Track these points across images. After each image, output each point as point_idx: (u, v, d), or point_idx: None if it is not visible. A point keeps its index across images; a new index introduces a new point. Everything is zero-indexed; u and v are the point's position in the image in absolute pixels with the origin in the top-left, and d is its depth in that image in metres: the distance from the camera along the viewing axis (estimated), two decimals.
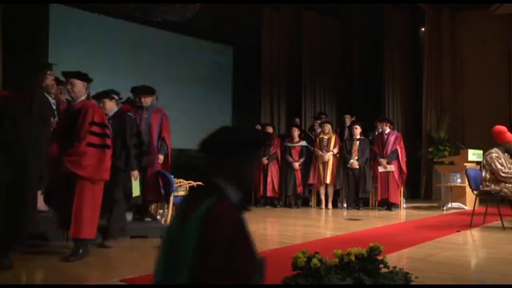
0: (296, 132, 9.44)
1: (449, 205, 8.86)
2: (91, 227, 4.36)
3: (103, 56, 8.94)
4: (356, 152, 8.98)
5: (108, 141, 4.51)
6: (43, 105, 4.60)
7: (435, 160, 10.35)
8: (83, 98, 4.56)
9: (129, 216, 5.63)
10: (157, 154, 5.87)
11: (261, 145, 1.90)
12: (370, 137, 9.67)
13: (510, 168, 6.28)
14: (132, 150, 5.17)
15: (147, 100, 5.89)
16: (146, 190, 5.66)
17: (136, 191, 5.32)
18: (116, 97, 5.30)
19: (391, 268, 3.02)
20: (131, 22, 9.48)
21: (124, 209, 5.17)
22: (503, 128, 6.60)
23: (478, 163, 8.66)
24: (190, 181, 6.40)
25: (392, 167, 8.81)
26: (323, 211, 8.91)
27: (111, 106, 5.21)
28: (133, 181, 5.24)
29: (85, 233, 4.29)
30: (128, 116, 5.35)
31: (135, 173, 5.27)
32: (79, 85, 4.54)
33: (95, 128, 4.42)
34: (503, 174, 6.18)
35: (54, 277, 3.78)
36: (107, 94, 5.26)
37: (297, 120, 10.73)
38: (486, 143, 7.23)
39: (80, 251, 4.26)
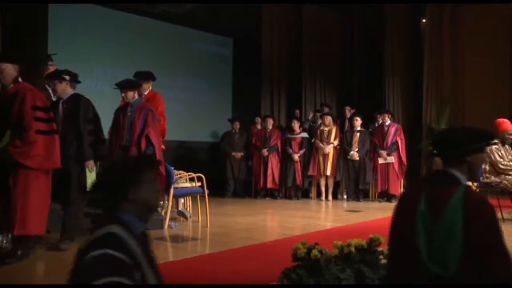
0: (296, 124, 9.44)
1: None
2: (38, 221, 4.00)
3: (102, 47, 8.91)
4: (356, 143, 8.99)
5: (55, 126, 4.23)
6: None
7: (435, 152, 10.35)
8: (15, 83, 4.14)
9: None
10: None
11: (487, 141, 2.16)
12: (370, 129, 9.68)
13: (510, 160, 6.29)
14: (87, 138, 4.61)
15: (128, 95, 5.42)
16: None
17: None
18: (67, 78, 4.73)
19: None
20: (130, 13, 9.44)
21: (80, 205, 4.62)
22: (503, 119, 6.62)
23: None
24: (190, 173, 6.39)
25: (392, 159, 8.82)
26: (323, 202, 8.93)
27: (63, 89, 4.71)
28: (88, 173, 4.62)
29: (31, 229, 3.93)
30: (84, 99, 4.75)
31: (90, 163, 4.65)
32: (9, 68, 4.12)
33: (39, 114, 4.08)
34: (501, 166, 6.19)
35: (55, 267, 3.79)
36: (58, 75, 4.78)
37: (297, 112, 10.73)
38: None
39: (19, 252, 3.86)
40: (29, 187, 3.94)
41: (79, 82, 4.90)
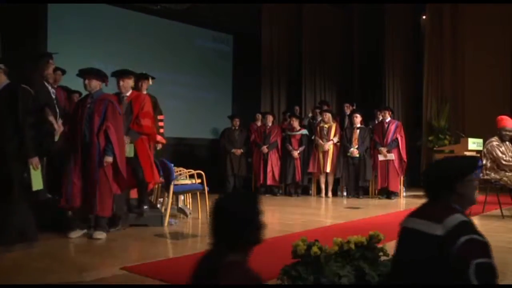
0: (296, 121, 9.43)
1: None
2: None
3: (102, 44, 8.89)
4: (356, 140, 8.98)
5: None
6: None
7: (435, 148, 10.35)
8: None
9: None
10: (103, 155, 4.77)
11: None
12: (370, 126, 9.67)
13: (511, 157, 6.29)
14: (28, 132, 4.17)
15: (92, 84, 4.86)
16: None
17: (37, 184, 4.24)
18: (1, 66, 4.32)
19: (390, 256, 3.03)
20: (130, 10, 9.43)
21: (23, 206, 4.22)
22: (504, 116, 6.62)
23: (478, 151, 8.65)
24: (190, 170, 6.39)
25: (392, 156, 8.82)
26: (323, 199, 8.93)
27: None
28: (32, 171, 4.19)
29: None
30: (23, 88, 4.24)
31: (34, 160, 4.21)
32: None
33: None
34: (504, 162, 6.20)
35: (55, 265, 3.80)
36: None
37: (297, 108, 10.73)
38: (487, 132, 7.22)
39: None
40: None
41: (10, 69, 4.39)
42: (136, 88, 5.98)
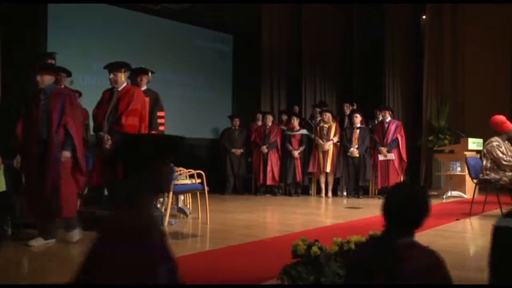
0: (296, 121, 9.43)
1: (449, 194, 8.88)
2: None
3: (102, 44, 8.88)
4: (356, 140, 8.98)
5: None
6: None
7: (435, 148, 10.35)
8: None
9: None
10: (61, 151, 4.46)
11: None
12: (370, 126, 9.67)
13: (511, 156, 6.30)
14: None
15: (44, 79, 4.54)
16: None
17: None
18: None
19: None
20: (130, 10, 9.43)
21: None
22: (502, 117, 6.62)
23: (478, 151, 8.66)
24: (190, 170, 6.38)
25: (392, 156, 8.82)
26: (323, 199, 8.93)
27: None
28: None
29: None
30: None
31: None
32: None
33: None
34: (504, 162, 6.20)
35: (55, 265, 3.79)
36: None
37: (296, 108, 10.73)
38: (486, 132, 7.23)
39: None
40: None
41: None
42: (135, 83, 5.83)
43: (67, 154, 4.47)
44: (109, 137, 5.06)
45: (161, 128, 5.97)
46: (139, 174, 1.76)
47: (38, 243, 4.34)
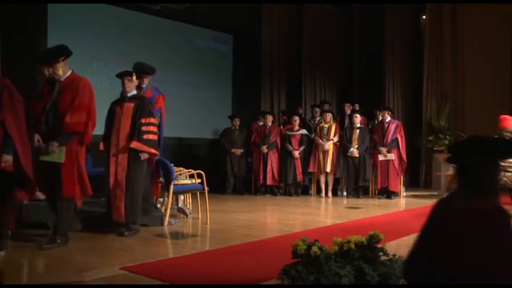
0: (297, 121, 9.43)
1: None
2: None
3: (102, 43, 8.89)
4: (356, 140, 8.98)
5: None
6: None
7: (435, 148, 10.36)
8: None
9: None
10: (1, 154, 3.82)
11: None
12: (370, 126, 9.68)
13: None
14: None
15: None
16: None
17: None
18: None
19: (390, 256, 3.04)
20: (130, 10, 9.43)
21: None
22: (508, 116, 6.65)
23: None
24: (190, 170, 6.38)
25: (392, 156, 8.82)
26: (323, 199, 8.93)
27: None
28: None
29: None
30: None
31: None
32: None
33: None
34: (504, 163, 6.20)
35: (55, 264, 3.79)
36: None
37: (300, 109, 10.76)
38: (487, 132, 7.19)
39: None
40: None
41: None
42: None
43: (8, 158, 3.83)
44: (39, 139, 4.33)
45: (149, 136, 5.19)
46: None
47: None
